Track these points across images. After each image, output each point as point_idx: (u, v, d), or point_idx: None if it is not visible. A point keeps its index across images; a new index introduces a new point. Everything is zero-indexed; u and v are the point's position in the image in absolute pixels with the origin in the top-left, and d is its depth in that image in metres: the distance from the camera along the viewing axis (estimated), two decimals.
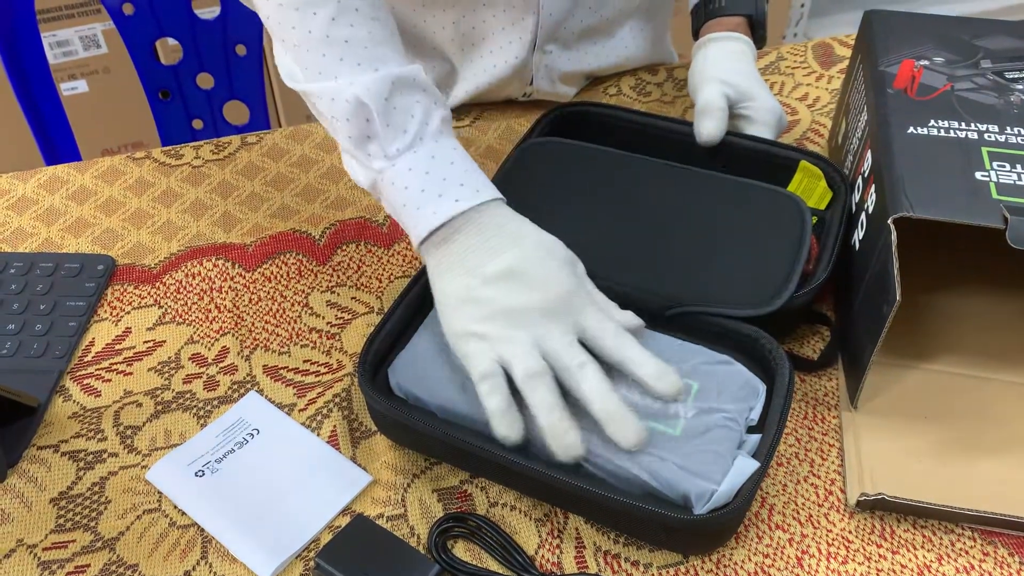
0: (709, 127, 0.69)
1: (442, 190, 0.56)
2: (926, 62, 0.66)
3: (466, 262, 0.55)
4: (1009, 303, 0.66)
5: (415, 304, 0.61)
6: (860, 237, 0.61)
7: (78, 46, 1.61)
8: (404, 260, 0.70)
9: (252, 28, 1.13)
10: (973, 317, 0.65)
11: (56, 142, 1.13)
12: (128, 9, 1.09)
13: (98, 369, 0.63)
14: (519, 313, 0.53)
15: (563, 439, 0.51)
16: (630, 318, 0.57)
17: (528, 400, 0.51)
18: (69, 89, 1.63)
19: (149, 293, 0.68)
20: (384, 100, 0.56)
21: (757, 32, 0.78)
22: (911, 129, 0.61)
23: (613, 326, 0.54)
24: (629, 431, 0.51)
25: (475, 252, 0.55)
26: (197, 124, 1.19)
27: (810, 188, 0.68)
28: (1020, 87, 0.64)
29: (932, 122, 0.61)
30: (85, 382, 0.62)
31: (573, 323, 0.53)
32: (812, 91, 0.85)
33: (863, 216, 0.61)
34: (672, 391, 0.53)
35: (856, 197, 0.64)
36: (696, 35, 0.79)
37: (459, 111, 0.84)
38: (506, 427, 0.52)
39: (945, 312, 0.66)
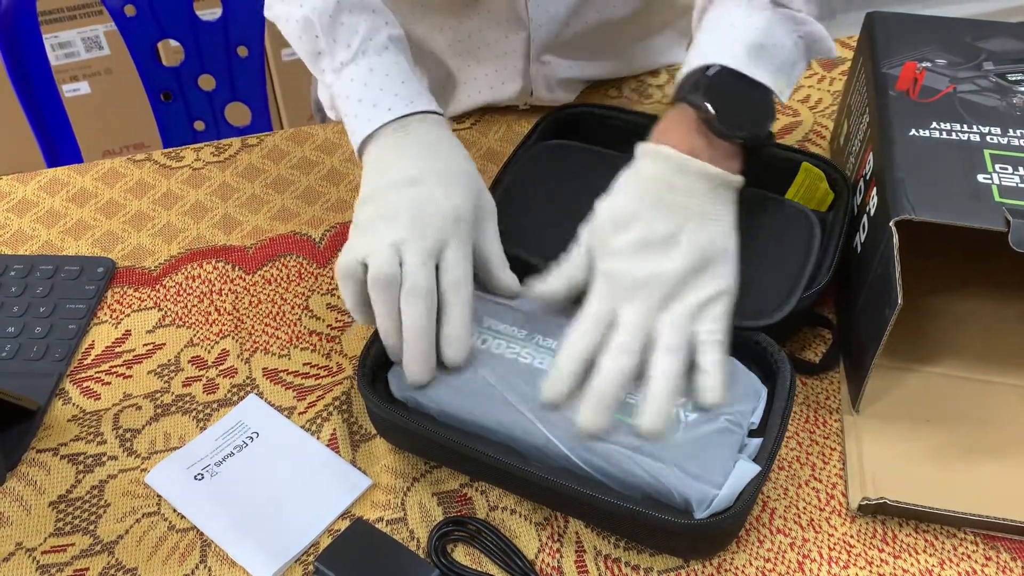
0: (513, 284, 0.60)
1: (377, 100, 0.59)
2: (928, 64, 0.66)
3: (382, 165, 0.58)
4: (1011, 305, 0.66)
5: None
6: (862, 240, 0.61)
7: (80, 47, 1.61)
8: None
9: (254, 29, 1.13)
10: (975, 320, 0.65)
11: (57, 143, 1.13)
12: (130, 11, 1.09)
13: (98, 372, 0.63)
14: (392, 215, 0.55)
15: (410, 367, 0.54)
16: (506, 281, 0.59)
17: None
18: (71, 91, 1.64)
19: (149, 296, 0.67)
20: (330, 17, 0.61)
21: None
22: (913, 131, 0.60)
23: (461, 271, 0.55)
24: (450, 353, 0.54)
25: (393, 157, 0.58)
26: (199, 125, 1.19)
27: (812, 190, 0.68)
28: (1022, 89, 0.63)
29: (934, 124, 0.61)
30: (85, 385, 0.62)
31: (437, 248, 0.55)
32: (814, 93, 0.84)
33: (865, 218, 0.61)
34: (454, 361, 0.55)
35: (858, 199, 0.64)
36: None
37: (460, 114, 0.84)
38: (362, 320, 0.56)
39: (947, 315, 0.65)
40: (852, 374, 0.61)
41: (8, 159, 1.70)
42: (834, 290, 0.65)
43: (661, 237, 0.55)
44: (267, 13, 0.66)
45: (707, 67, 0.58)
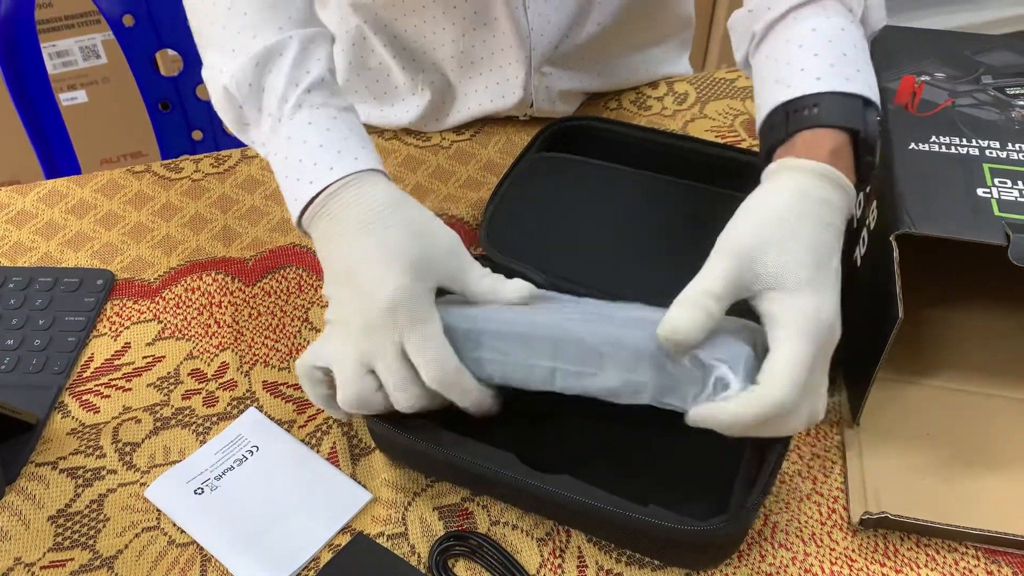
0: (672, 320, 0.48)
1: (299, 173, 0.53)
2: (927, 77, 0.66)
3: (324, 251, 0.53)
4: (1011, 318, 0.66)
5: None
6: (862, 253, 0.61)
7: (78, 56, 1.61)
8: None
9: None
10: (975, 332, 0.65)
11: (55, 152, 1.13)
12: (128, 20, 1.09)
13: (97, 385, 0.62)
14: (343, 325, 0.51)
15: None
16: (513, 294, 0.53)
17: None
18: (68, 99, 1.63)
19: (148, 308, 0.67)
20: (249, 86, 0.54)
21: (863, 159, 0.53)
22: (912, 145, 0.61)
23: (431, 354, 0.50)
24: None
25: (328, 241, 0.52)
26: (196, 135, 1.19)
27: None
28: (1021, 103, 0.64)
29: (933, 138, 0.61)
30: (84, 398, 0.62)
31: (398, 348, 0.50)
32: None
33: (864, 232, 0.61)
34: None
35: (858, 212, 0.64)
36: (768, 158, 0.55)
37: (459, 124, 0.84)
38: (339, 414, 0.54)
39: (947, 327, 0.66)
40: (852, 387, 0.61)
41: (5, 168, 1.70)
42: None
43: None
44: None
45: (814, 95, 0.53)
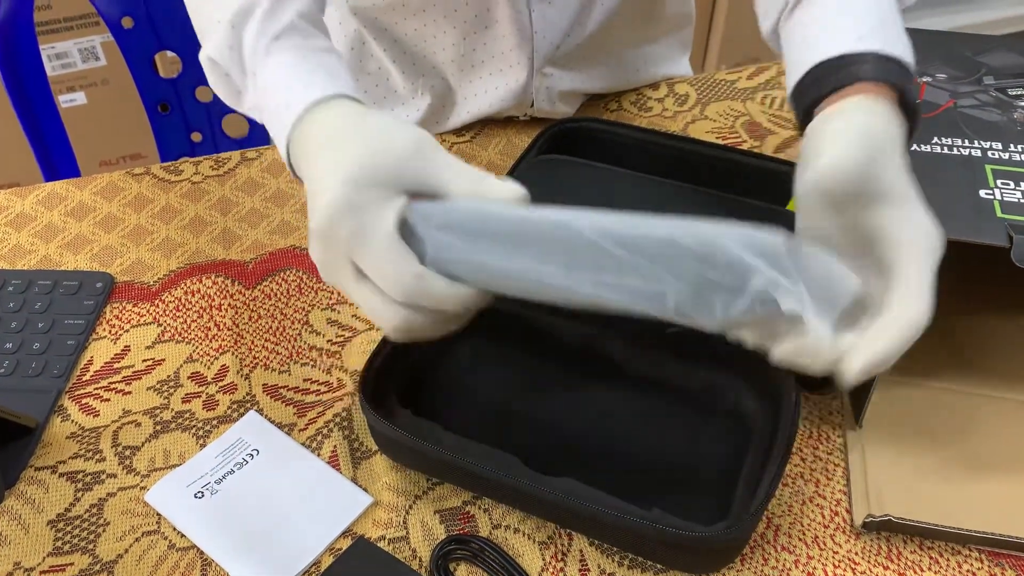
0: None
1: (275, 119, 0.51)
2: (929, 78, 0.66)
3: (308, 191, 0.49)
4: (1013, 320, 0.66)
5: None
6: None
7: (77, 58, 1.60)
8: None
9: None
10: (979, 334, 0.65)
11: (54, 154, 1.13)
12: (127, 23, 1.09)
13: (96, 388, 0.62)
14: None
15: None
16: (506, 192, 0.47)
17: None
18: (67, 101, 1.63)
19: (148, 311, 0.67)
20: (229, 48, 0.53)
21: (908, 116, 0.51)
22: (915, 146, 0.60)
23: (383, 265, 0.45)
24: None
25: (301, 176, 0.50)
26: (196, 137, 1.19)
27: None
28: (1023, 104, 0.63)
29: (936, 139, 0.61)
30: (83, 401, 0.61)
31: (347, 261, 0.46)
32: None
33: None
34: None
35: None
36: (808, 113, 0.52)
37: (460, 127, 0.84)
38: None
39: (950, 328, 0.65)
40: (854, 389, 0.61)
41: (4, 170, 1.69)
42: None
43: None
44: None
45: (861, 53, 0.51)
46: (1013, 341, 0.64)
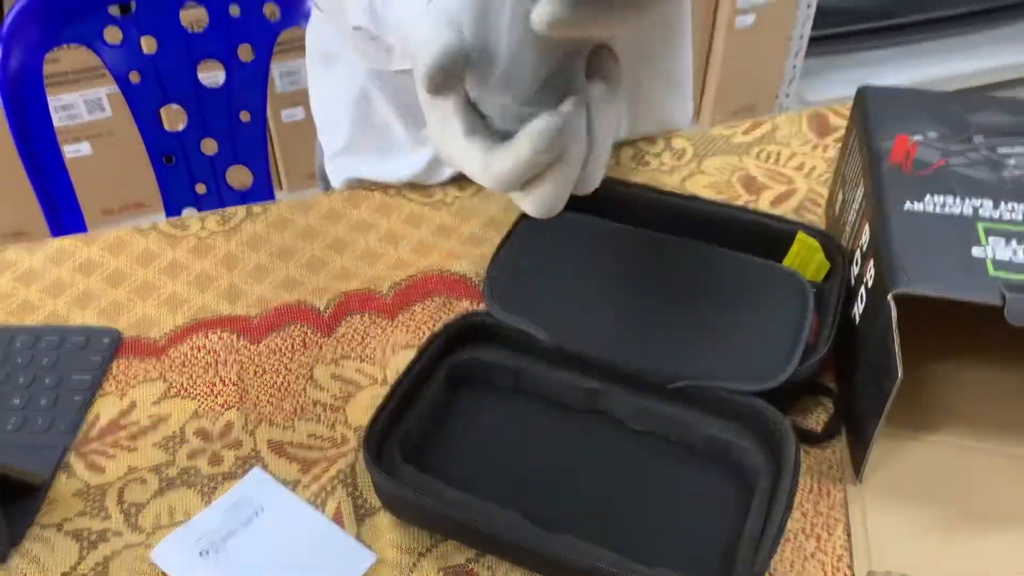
0: None
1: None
2: (920, 137, 0.67)
3: None
4: (1011, 373, 0.67)
5: (421, 377, 0.62)
6: (860, 311, 0.62)
7: (82, 109, 1.63)
8: (407, 331, 0.70)
9: (256, 95, 1.16)
10: (977, 387, 0.66)
11: (59, 203, 1.14)
12: (135, 77, 1.11)
13: (103, 445, 0.63)
14: None
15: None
16: None
17: None
18: (72, 151, 1.66)
19: (154, 367, 0.68)
20: (364, 12, 0.58)
21: None
22: (907, 205, 0.62)
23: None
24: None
25: None
26: (200, 188, 1.21)
27: (807, 260, 0.69)
28: (1012, 162, 0.65)
29: (928, 197, 0.62)
30: (89, 458, 0.62)
31: None
32: (808, 160, 0.86)
33: (863, 290, 0.62)
34: None
35: (855, 270, 0.65)
36: None
37: (461, 180, 0.85)
38: None
39: (948, 382, 0.66)
40: (854, 444, 0.62)
41: (10, 218, 1.71)
42: (833, 359, 0.66)
43: None
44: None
45: None
46: (1012, 395, 0.65)
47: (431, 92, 0.45)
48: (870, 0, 2.21)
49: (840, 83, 2.11)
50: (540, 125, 0.44)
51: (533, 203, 0.48)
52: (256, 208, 0.81)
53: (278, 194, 1.24)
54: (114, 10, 1.07)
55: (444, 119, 0.47)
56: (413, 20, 0.46)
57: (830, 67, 2.13)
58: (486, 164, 0.46)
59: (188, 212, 1.21)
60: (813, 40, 2.03)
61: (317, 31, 0.87)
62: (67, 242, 0.79)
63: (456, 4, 0.44)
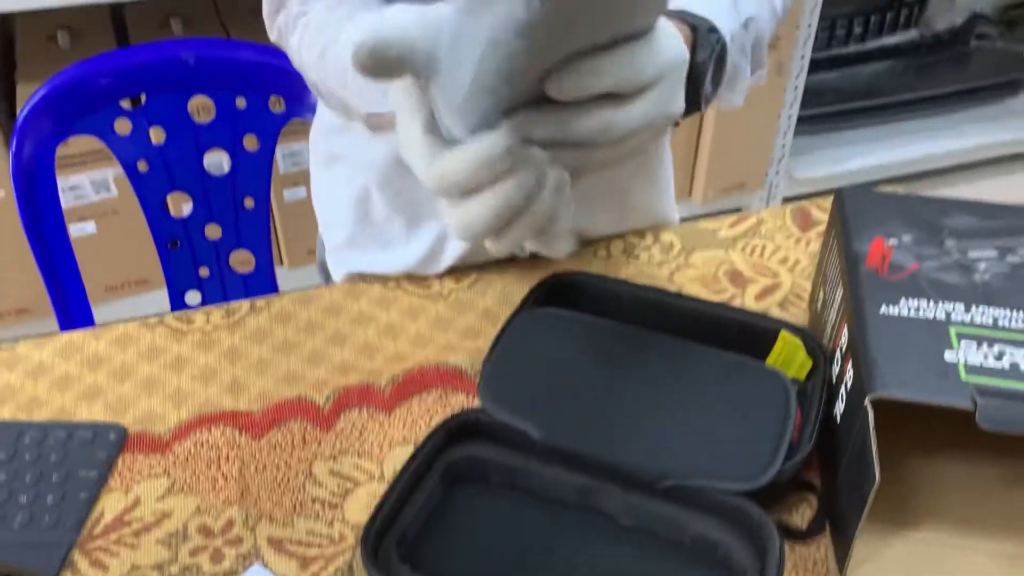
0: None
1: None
2: (895, 241, 0.71)
3: None
4: (990, 468, 0.69)
5: (417, 475, 0.64)
6: (841, 410, 0.64)
7: (89, 191, 1.67)
8: (404, 425, 0.73)
9: (261, 181, 1.20)
10: (957, 483, 0.68)
11: (64, 285, 1.17)
12: (142, 166, 1.15)
13: (107, 542, 0.64)
14: None
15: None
16: None
17: None
18: (77, 230, 1.69)
19: (159, 462, 0.70)
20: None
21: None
22: (883, 308, 0.65)
23: None
24: None
25: None
26: (204, 272, 1.24)
27: (790, 357, 0.71)
28: (983, 266, 0.68)
29: (903, 301, 0.65)
30: (94, 556, 0.63)
31: None
32: (792, 254, 0.89)
33: (843, 389, 0.65)
34: None
35: (836, 369, 0.68)
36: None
37: (457, 273, 0.88)
38: None
39: (929, 478, 0.68)
40: (838, 540, 0.63)
41: (13, 295, 1.74)
42: (817, 456, 0.68)
43: None
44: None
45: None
46: (991, 491, 0.67)
47: (355, 68, 0.46)
48: (856, 80, 2.29)
49: (828, 161, 2.17)
50: (491, 135, 0.47)
51: (460, 216, 0.48)
52: (260, 302, 0.84)
53: (279, 270, 1.27)
54: (125, 102, 1.12)
55: (409, 114, 0.49)
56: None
57: (818, 145, 2.19)
58: (431, 161, 0.48)
59: (192, 296, 1.24)
60: (801, 119, 2.09)
61: (321, 132, 0.91)
62: (76, 336, 0.81)
63: (443, 16, 0.46)
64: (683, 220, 0.99)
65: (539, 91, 0.48)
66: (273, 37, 0.79)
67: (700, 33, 0.61)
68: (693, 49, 0.60)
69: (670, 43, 0.52)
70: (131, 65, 1.13)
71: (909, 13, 2.42)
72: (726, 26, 0.64)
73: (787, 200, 2.16)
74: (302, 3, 0.75)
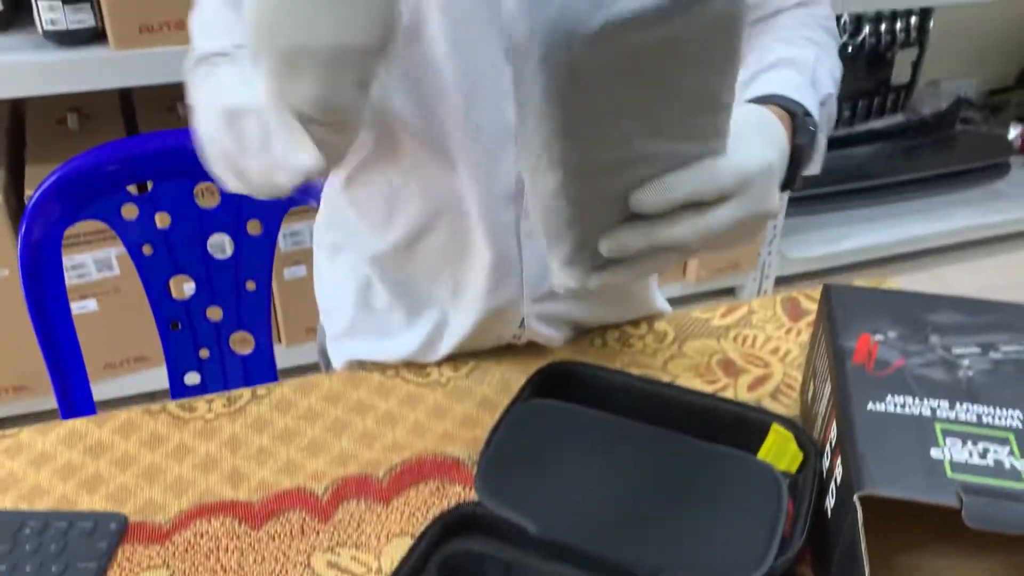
0: None
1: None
2: (881, 337, 0.73)
3: None
4: (979, 560, 0.70)
5: (414, 571, 0.65)
6: (831, 505, 0.66)
7: (92, 269, 1.70)
8: (402, 517, 0.73)
9: (263, 265, 1.22)
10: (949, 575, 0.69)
11: (64, 363, 1.18)
12: (147, 249, 1.18)
13: None
14: None
15: None
16: None
17: None
18: (78, 308, 1.71)
19: (159, 553, 0.70)
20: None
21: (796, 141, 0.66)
22: (870, 405, 0.66)
23: None
24: None
25: None
26: (204, 353, 1.26)
27: (782, 450, 0.73)
28: (966, 363, 0.70)
29: (889, 398, 0.67)
30: None
31: None
32: (783, 344, 0.91)
33: (833, 485, 0.66)
34: None
35: (826, 462, 0.69)
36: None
37: (456, 360, 0.90)
38: None
39: (919, 572, 0.69)
40: None
41: (12, 371, 1.75)
42: (810, 549, 0.69)
43: None
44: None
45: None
46: None
47: None
48: (847, 162, 2.35)
49: (821, 241, 2.20)
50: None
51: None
52: (261, 390, 0.86)
53: (277, 348, 1.28)
54: (132, 188, 1.15)
55: None
56: None
57: (810, 226, 2.23)
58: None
59: (191, 377, 1.25)
60: (793, 200, 2.14)
61: (325, 223, 0.94)
62: (79, 424, 0.82)
63: None
64: (677, 299, 1.01)
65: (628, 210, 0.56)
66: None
67: (798, 119, 0.67)
68: (793, 133, 0.66)
69: (757, 152, 0.59)
70: (141, 153, 1.16)
71: (896, 98, 2.50)
72: (811, 104, 0.70)
73: (780, 280, 2.19)
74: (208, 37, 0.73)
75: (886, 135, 2.44)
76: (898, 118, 2.50)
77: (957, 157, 2.39)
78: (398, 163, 0.78)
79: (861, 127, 2.44)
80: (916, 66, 2.45)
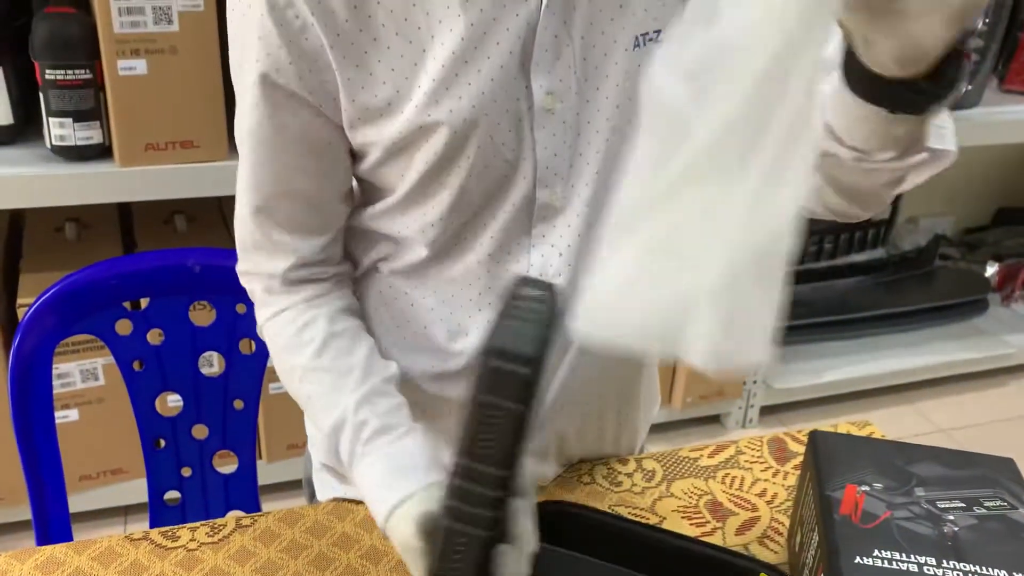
0: None
1: (370, 505, 0.72)
2: (867, 488, 0.74)
3: None
4: None
5: None
6: None
7: (77, 378, 1.69)
8: None
9: (252, 385, 1.22)
10: None
11: (43, 474, 1.16)
12: (138, 365, 1.18)
13: None
14: None
15: None
16: None
17: None
18: (60, 417, 1.69)
19: None
20: (332, 454, 0.75)
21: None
22: (857, 559, 0.67)
23: None
24: None
25: None
26: (186, 471, 1.24)
27: None
28: (951, 517, 0.71)
29: (876, 552, 0.67)
30: None
31: None
32: (770, 487, 0.92)
33: None
34: None
35: None
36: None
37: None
38: None
39: None
40: None
41: None
42: None
43: None
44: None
45: None
46: None
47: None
48: (829, 293, 2.39)
49: (805, 373, 2.23)
50: None
51: None
52: (245, 520, 0.85)
53: (259, 464, 1.27)
54: (127, 304, 1.16)
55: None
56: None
57: (793, 356, 2.26)
58: None
59: (171, 495, 1.23)
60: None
61: None
62: (58, 550, 0.81)
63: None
64: (662, 425, 1.01)
65: None
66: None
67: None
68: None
69: None
70: (138, 270, 1.18)
71: (876, 233, 2.57)
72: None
73: (765, 409, 2.20)
74: (280, 292, 0.81)
75: (868, 269, 2.50)
76: (879, 252, 2.57)
77: (937, 292, 2.45)
78: None
79: (843, 260, 2.50)
80: (895, 203, 2.53)
